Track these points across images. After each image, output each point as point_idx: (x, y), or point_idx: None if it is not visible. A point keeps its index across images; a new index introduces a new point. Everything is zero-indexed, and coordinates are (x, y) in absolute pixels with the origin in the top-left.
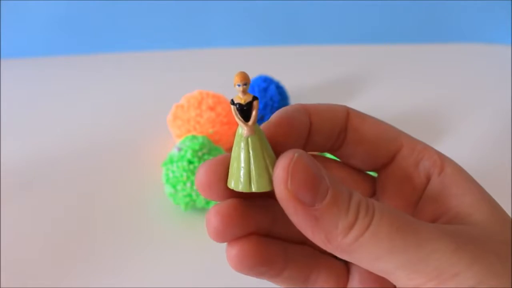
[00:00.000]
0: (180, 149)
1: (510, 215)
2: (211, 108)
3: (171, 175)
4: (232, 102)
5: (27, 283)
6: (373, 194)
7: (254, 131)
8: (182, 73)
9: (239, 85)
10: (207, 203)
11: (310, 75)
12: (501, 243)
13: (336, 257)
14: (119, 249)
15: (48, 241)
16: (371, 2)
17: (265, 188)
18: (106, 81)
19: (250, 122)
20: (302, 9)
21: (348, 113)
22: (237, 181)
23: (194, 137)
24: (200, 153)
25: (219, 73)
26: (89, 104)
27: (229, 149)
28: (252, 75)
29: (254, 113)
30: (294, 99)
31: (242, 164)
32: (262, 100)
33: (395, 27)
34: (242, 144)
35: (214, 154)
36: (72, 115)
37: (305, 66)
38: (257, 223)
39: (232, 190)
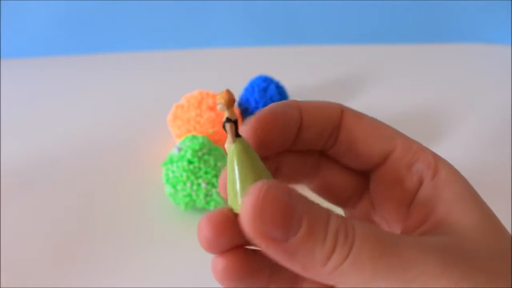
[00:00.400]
0: (180, 149)
1: (510, 214)
2: (211, 108)
3: (171, 175)
4: (228, 120)
5: (27, 283)
6: (364, 193)
7: (242, 145)
8: (182, 73)
9: (219, 104)
10: (207, 203)
11: (310, 75)
12: (489, 258)
13: None
14: (119, 249)
15: (48, 241)
16: (371, 2)
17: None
18: (106, 81)
19: (240, 139)
20: (302, 9)
21: (342, 111)
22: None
23: (194, 137)
24: (200, 153)
25: (219, 73)
26: (89, 104)
27: None
28: (252, 75)
29: (234, 129)
30: (294, 99)
31: (231, 186)
32: (262, 100)
33: (395, 27)
34: (232, 159)
35: (214, 154)
36: (72, 115)
37: (305, 66)
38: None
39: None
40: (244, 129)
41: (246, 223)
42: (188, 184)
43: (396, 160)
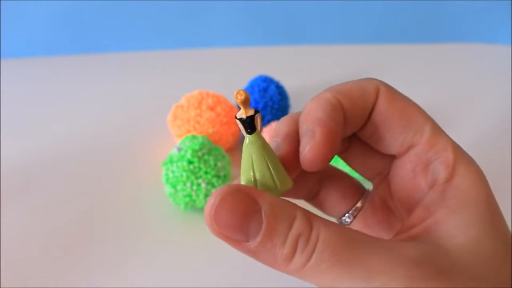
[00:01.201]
0: (180, 149)
1: (510, 214)
2: (211, 108)
3: (171, 175)
4: (236, 118)
5: (27, 283)
6: (387, 176)
7: (259, 139)
8: (182, 73)
9: (238, 99)
10: None
11: (310, 75)
12: (472, 280)
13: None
14: (119, 249)
15: (48, 241)
16: (371, 2)
17: (289, 185)
18: (106, 81)
19: (257, 134)
20: (302, 9)
21: (378, 91)
22: (263, 186)
23: (194, 137)
24: (200, 153)
25: (219, 73)
26: (89, 104)
27: (229, 149)
28: (252, 75)
29: (258, 125)
30: (294, 99)
31: (262, 169)
32: (262, 100)
33: (395, 27)
34: (257, 153)
35: (214, 154)
36: (72, 115)
37: (305, 66)
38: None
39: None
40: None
41: (209, 224)
42: (188, 184)
43: (416, 154)
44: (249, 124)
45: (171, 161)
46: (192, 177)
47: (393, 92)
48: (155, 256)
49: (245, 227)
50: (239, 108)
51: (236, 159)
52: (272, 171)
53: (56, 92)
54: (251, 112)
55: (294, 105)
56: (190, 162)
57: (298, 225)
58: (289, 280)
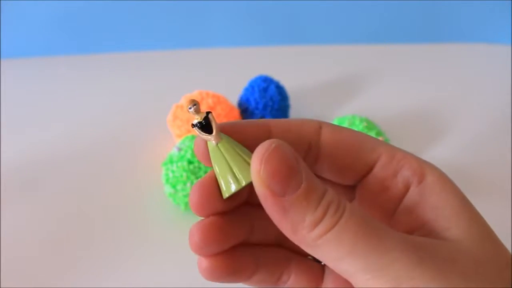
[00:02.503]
0: (180, 149)
1: (510, 214)
2: (211, 108)
3: (171, 175)
4: (193, 125)
5: (27, 283)
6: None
7: (220, 138)
8: (182, 73)
9: (190, 108)
10: None
11: (310, 75)
12: (473, 262)
13: (312, 258)
14: (119, 248)
15: (48, 241)
16: (371, 2)
17: (250, 178)
18: (106, 81)
19: (214, 132)
20: (302, 9)
21: (320, 127)
22: (227, 186)
23: (194, 137)
24: None
25: (219, 73)
26: (89, 104)
27: None
28: (252, 75)
29: (213, 124)
30: (294, 99)
31: (222, 168)
32: (262, 100)
33: (395, 27)
34: (216, 153)
35: None
36: (72, 115)
37: (305, 66)
38: (235, 237)
39: (221, 206)
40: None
41: (252, 172)
42: (188, 184)
43: (380, 170)
44: (207, 126)
45: (171, 161)
46: (192, 177)
47: (337, 126)
48: (155, 256)
49: (288, 179)
50: (195, 118)
51: None
52: (232, 167)
53: (56, 92)
54: (203, 114)
55: (294, 105)
56: (190, 162)
57: (330, 194)
58: None
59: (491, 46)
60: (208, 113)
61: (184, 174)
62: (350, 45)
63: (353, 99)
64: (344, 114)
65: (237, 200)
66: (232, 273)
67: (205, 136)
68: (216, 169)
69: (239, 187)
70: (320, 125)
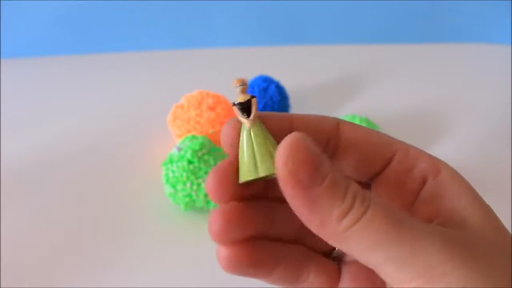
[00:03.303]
0: (180, 149)
1: (510, 214)
2: (211, 108)
3: (171, 175)
4: (234, 104)
5: (26, 283)
6: None
7: (254, 124)
8: (182, 73)
9: (237, 86)
10: (207, 203)
11: (310, 75)
12: (492, 248)
13: (328, 257)
14: (119, 248)
15: (48, 241)
16: (371, 2)
17: (269, 170)
18: (106, 81)
19: (251, 117)
20: (302, 9)
21: (338, 123)
22: (245, 172)
23: (194, 137)
24: (200, 153)
25: (219, 73)
26: (89, 104)
27: None
28: (252, 75)
29: (253, 108)
30: (294, 99)
31: (247, 153)
32: (262, 100)
33: (395, 27)
34: (245, 137)
35: (214, 154)
36: (72, 115)
37: (305, 66)
38: (255, 226)
39: (239, 193)
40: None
41: (279, 163)
42: (188, 184)
43: (397, 164)
44: (247, 109)
45: (171, 161)
46: (192, 177)
47: (353, 123)
48: (155, 256)
49: (315, 170)
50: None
51: None
52: (256, 155)
53: (56, 92)
54: (247, 97)
55: (294, 105)
56: (190, 162)
57: (354, 186)
58: None
59: (491, 46)
60: (252, 96)
61: (184, 174)
62: (350, 45)
63: (353, 99)
64: (344, 114)
65: (254, 189)
66: (251, 265)
67: (242, 117)
68: (242, 153)
69: (256, 177)
70: (338, 122)
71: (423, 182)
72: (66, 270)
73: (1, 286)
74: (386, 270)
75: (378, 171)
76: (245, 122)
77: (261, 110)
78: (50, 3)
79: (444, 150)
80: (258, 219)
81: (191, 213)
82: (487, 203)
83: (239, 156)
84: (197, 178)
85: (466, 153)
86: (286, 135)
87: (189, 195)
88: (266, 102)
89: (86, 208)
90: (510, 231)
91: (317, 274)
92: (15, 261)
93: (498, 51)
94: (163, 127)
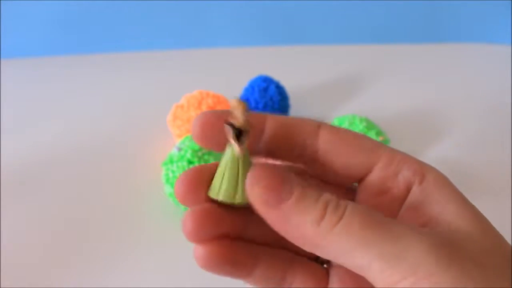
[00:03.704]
0: (180, 149)
1: (510, 214)
2: (211, 108)
3: (171, 175)
4: (229, 124)
5: (26, 283)
6: None
7: (244, 152)
8: (182, 73)
9: (236, 108)
10: None
11: (310, 75)
12: (481, 251)
13: (316, 261)
14: (118, 248)
15: (48, 241)
16: (371, 2)
17: (244, 199)
18: (106, 81)
19: (245, 145)
20: (302, 9)
21: (319, 126)
22: (221, 191)
23: None
24: (200, 153)
25: (219, 73)
26: (89, 104)
27: None
28: (252, 75)
29: (246, 138)
30: (294, 99)
31: (228, 176)
32: (262, 100)
33: (395, 27)
34: (231, 160)
35: (214, 154)
36: (72, 115)
37: (305, 66)
38: (230, 226)
39: (206, 199)
40: (194, 124)
41: (248, 190)
42: None
43: (381, 170)
44: (243, 136)
45: (171, 161)
46: None
47: (336, 127)
48: (155, 255)
49: (279, 188)
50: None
51: None
52: (239, 183)
53: (56, 92)
54: (243, 124)
55: (294, 105)
56: (190, 162)
57: (326, 195)
58: None
59: (491, 46)
60: (249, 125)
61: None
62: (350, 45)
63: (353, 99)
64: (344, 114)
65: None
66: (227, 263)
67: (233, 140)
68: (222, 172)
69: (232, 202)
70: (319, 126)
71: (408, 188)
72: (66, 270)
73: (1, 286)
74: (372, 272)
75: (360, 176)
76: (236, 148)
77: (261, 110)
78: (49, 3)
79: (444, 150)
80: (233, 220)
81: None
82: (487, 203)
83: (217, 170)
84: None
85: (466, 153)
86: (258, 135)
87: None
88: (266, 102)
89: (86, 208)
90: (510, 230)
91: (304, 276)
92: (15, 261)
93: (498, 51)
94: (163, 127)
